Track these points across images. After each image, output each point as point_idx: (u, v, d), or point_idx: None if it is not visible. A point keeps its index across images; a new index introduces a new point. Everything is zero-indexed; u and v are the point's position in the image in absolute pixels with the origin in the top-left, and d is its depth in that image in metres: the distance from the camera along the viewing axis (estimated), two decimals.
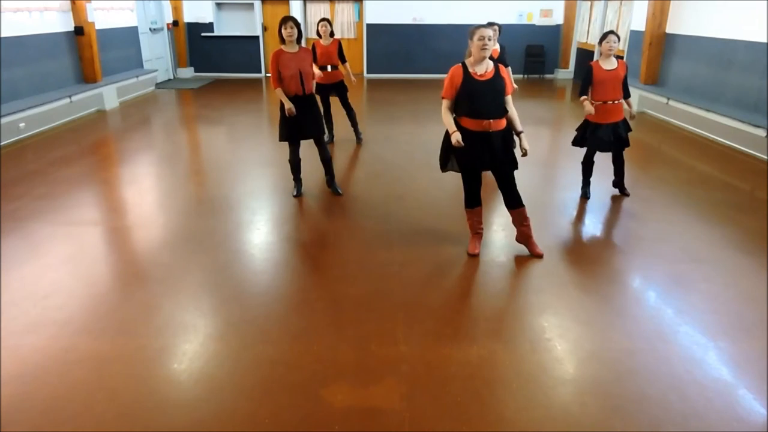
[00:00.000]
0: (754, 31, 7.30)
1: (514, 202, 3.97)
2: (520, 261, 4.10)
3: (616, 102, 4.88)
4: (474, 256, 4.06)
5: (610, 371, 2.81)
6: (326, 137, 7.13)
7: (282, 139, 5.04)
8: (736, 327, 3.21)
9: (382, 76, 13.64)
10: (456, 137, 3.67)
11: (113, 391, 2.64)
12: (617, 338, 3.09)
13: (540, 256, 4.05)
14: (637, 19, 10.12)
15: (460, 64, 3.74)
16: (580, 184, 5.39)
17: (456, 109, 3.79)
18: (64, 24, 8.92)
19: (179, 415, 2.51)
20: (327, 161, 5.26)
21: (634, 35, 10.33)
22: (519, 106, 9.54)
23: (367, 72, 13.82)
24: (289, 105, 4.81)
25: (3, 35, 7.53)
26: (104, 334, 3.10)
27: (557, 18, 13.38)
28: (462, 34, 13.56)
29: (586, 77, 4.87)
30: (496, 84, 3.69)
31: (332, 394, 2.63)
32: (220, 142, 7.88)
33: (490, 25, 6.88)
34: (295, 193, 5.30)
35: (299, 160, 5.21)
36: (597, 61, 4.90)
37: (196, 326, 3.21)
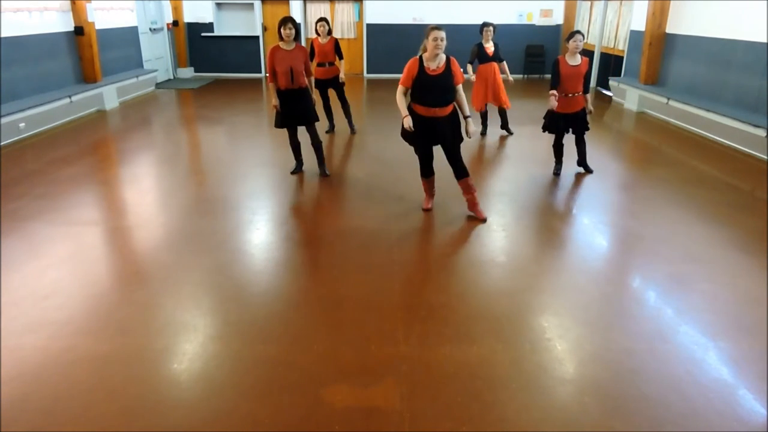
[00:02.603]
0: (754, 31, 7.29)
1: (460, 173, 4.57)
2: (520, 261, 4.10)
3: (575, 95, 5.46)
4: (427, 211, 4.77)
5: (610, 371, 2.81)
6: (327, 127, 7.69)
7: (276, 125, 5.56)
8: (736, 327, 3.21)
9: (382, 75, 13.64)
10: (407, 122, 4.30)
11: (113, 391, 2.64)
12: (617, 338, 3.09)
13: (484, 220, 4.62)
14: (637, 19, 10.12)
15: (418, 58, 4.28)
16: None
17: (411, 96, 4.36)
18: (64, 24, 8.91)
19: (179, 415, 2.51)
20: (317, 146, 5.73)
21: (634, 35, 10.33)
22: (519, 106, 9.51)
23: (367, 72, 13.82)
24: (275, 102, 5.40)
25: (3, 35, 7.53)
26: (104, 334, 3.10)
27: (557, 18, 13.37)
28: (462, 34, 13.51)
29: (554, 71, 5.44)
30: (445, 79, 4.25)
31: (332, 394, 2.63)
32: (220, 142, 7.87)
33: (486, 25, 7.13)
34: (292, 170, 5.88)
35: (298, 143, 5.77)
36: (563, 56, 5.42)
37: (196, 326, 3.20)
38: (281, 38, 5.26)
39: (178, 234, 4.49)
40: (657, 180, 5.91)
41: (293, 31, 5.22)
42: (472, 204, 4.68)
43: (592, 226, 4.72)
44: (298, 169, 5.90)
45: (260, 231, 4.59)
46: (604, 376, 2.78)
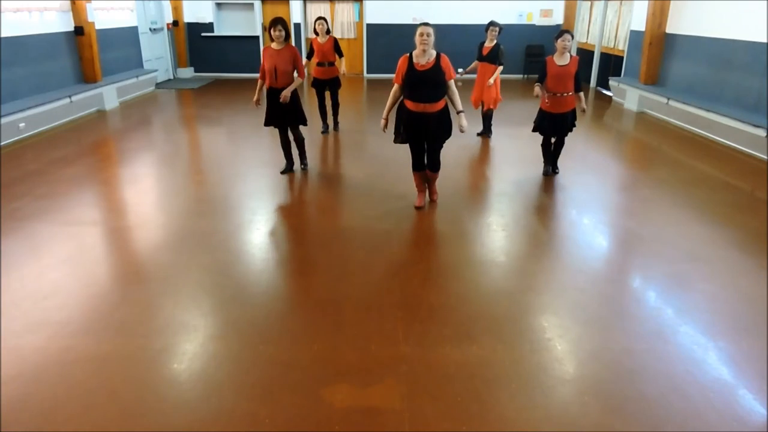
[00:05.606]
0: (754, 31, 7.29)
1: (433, 167, 4.79)
2: (520, 261, 4.10)
3: (565, 94, 5.40)
4: (420, 209, 4.85)
5: (610, 371, 2.81)
6: (321, 128, 7.68)
7: (265, 124, 5.62)
8: (736, 327, 3.21)
9: (382, 76, 13.63)
10: (382, 124, 4.60)
11: (113, 391, 2.64)
12: (617, 338, 3.09)
13: (433, 201, 5.01)
14: (637, 19, 10.12)
15: (407, 55, 4.39)
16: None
17: (402, 92, 4.48)
18: (64, 24, 8.91)
19: (179, 415, 2.51)
20: (299, 142, 5.84)
21: (634, 35, 10.33)
22: (519, 107, 9.51)
23: (367, 72, 13.81)
24: (256, 97, 5.61)
25: (3, 35, 7.53)
26: (104, 334, 3.10)
27: (557, 18, 13.37)
28: (462, 34, 13.46)
29: (542, 70, 5.49)
30: (434, 74, 4.32)
31: (332, 394, 2.63)
32: (220, 142, 7.87)
33: (491, 24, 7.04)
34: (282, 169, 5.88)
35: (288, 141, 5.81)
36: (552, 56, 5.42)
37: (196, 326, 3.20)
38: (272, 39, 5.30)
39: (178, 234, 4.49)
40: (657, 180, 5.91)
41: (283, 33, 5.23)
42: (431, 191, 5.05)
43: (592, 226, 4.72)
44: (288, 169, 5.89)
45: (260, 231, 4.59)
46: (604, 376, 2.78)
